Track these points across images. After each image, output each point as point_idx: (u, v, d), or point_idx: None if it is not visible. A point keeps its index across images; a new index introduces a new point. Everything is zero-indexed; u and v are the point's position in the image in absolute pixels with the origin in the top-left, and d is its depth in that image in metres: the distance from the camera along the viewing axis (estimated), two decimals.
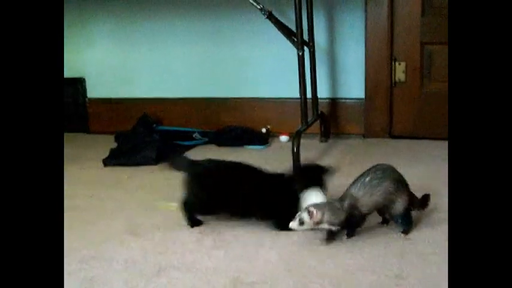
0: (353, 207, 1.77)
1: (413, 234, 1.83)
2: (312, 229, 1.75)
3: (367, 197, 1.78)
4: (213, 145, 3.13)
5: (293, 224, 1.71)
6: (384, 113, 3.10)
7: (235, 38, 3.33)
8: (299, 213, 1.73)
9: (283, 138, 3.17)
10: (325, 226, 1.75)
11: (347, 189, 1.81)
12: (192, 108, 3.41)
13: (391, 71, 3.06)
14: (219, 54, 3.37)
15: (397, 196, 1.79)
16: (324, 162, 2.66)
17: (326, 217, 1.73)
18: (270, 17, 2.68)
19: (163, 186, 2.43)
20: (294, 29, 2.69)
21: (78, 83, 3.60)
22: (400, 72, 3.05)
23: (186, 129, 3.29)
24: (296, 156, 2.53)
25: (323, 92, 3.15)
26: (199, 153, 2.97)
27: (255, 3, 2.66)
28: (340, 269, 1.62)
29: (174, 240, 1.85)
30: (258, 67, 3.33)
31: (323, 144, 3.06)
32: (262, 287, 1.53)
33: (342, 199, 1.79)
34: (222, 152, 2.99)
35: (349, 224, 1.79)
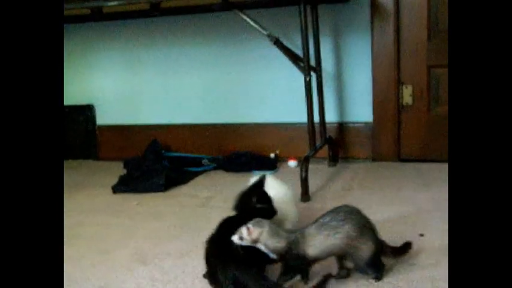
0: (297, 244, 1.61)
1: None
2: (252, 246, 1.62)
3: (320, 238, 1.61)
4: (222, 171, 3.14)
5: (234, 238, 1.61)
6: (392, 137, 3.10)
7: (243, 63, 3.34)
8: (241, 227, 1.62)
9: (292, 163, 3.17)
10: (262, 247, 1.61)
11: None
12: (201, 134, 3.43)
13: (398, 95, 3.06)
14: (227, 80, 3.39)
15: (360, 242, 1.61)
16: (333, 188, 2.68)
17: (263, 238, 1.60)
18: (277, 43, 2.70)
19: (172, 214, 2.43)
20: (300, 54, 2.71)
21: (87, 110, 3.62)
22: (407, 95, 3.05)
23: (195, 155, 3.30)
24: (305, 181, 2.53)
25: (331, 117, 3.16)
26: (208, 179, 2.98)
27: (261, 30, 2.68)
28: None
29: (183, 268, 1.85)
30: (266, 92, 3.34)
31: (331, 169, 3.06)
32: None
33: (293, 231, 1.66)
34: (230, 178, 3.00)
35: (285, 263, 1.64)
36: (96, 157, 3.62)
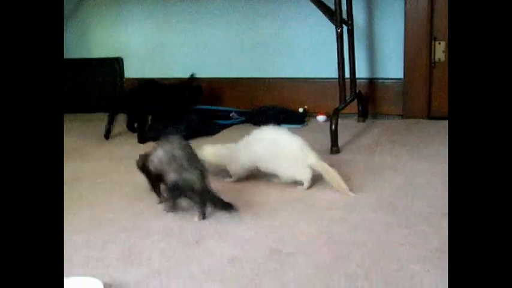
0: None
1: None
2: None
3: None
4: (250, 124, 3.12)
5: None
6: (423, 94, 3.06)
7: (273, 16, 3.31)
8: None
9: (321, 118, 3.14)
10: None
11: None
12: (229, 87, 3.41)
13: (431, 51, 3.01)
14: (256, 34, 3.36)
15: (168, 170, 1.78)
16: (362, 142, 2.66)
17: None
18: None
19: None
20: (332, 7, 2.67)
21: (116, 63, 3.61)
22: (440, 51, 3.00)
23: (224, 108, 3.29)
24: (334, 134, 2.50)
25: (361, 72, 3.12)
26: (236, 132, 2.96)
27: None
28: (379, 241, 1.60)
29: (210, 211, 1.84)
30: (295, 46, 3.31)
31: (361, 124, 3.03)
32: (301, 257, 1.52)
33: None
34: None
35: None
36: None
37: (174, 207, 1.86)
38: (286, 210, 1.86)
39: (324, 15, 2.69)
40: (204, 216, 1.79)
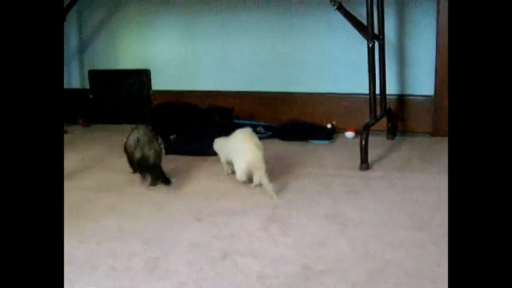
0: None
1: None
2: None
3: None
4: (277, 139, 3.08)
5: None
6: None
7: (302, 30, 3.27)
8: None
9: (349, 134, 3.09)
10: None
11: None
12: (256, 102, 3.37)
13: None
14: (284, 47, 3.32)
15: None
16: (392, 159, 2.61)
17: None
18: (340, 8, 2.61)
19: (223, 176, 2.39)
20: (363, 21, 2.62)
21: (143, 75, 3.60)
22: None
23: (250, 122, 3.25)
24: (364, 150, 2.45)
25: (391, 88, 3.06)
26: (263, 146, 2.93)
27: None
28: (415, 260, 1.54)
29: (238, 226, 1.81)
30: (324, 61, 3.26)
31: (390, 142, 2.97)
32: (335, 275, 1.47)
33: None
34: (285, 146, 2.94)
35: None
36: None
37: (145, 181, 2.30)
38: (316, 226, 1.81)
39: (355, 29, 2.64)
40: (154, 184, 2.27)
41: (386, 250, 1.61)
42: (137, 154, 2.26)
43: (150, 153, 2.25)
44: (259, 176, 2.14)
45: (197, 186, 2.30)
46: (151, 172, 2.27)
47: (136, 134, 2.30)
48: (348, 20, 2.64)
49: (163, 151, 2.38)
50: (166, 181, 2.22)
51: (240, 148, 2.27)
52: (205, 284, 1.44)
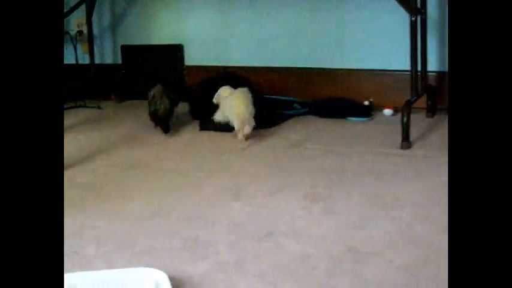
0: None
1: None
2: None
3: None
4: (313, 116, 3.01)
5: None
6: None
7: (338, 5, 3.18)
8: None
9: (387, 111, 3.00)
10: None
11: None
12: (292, 77, 3.29)
13: None
14: (321, 23, 3.23)
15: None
16: (433, 137, 2.52)
17: None
18: None
19: (262, 153, 2.34)
20: None
21: (176, 50, 3.55)
22: None
23: (286, 98, 3.17)
24: (406, 128, 2.37)
25: (432, 65, 2.96)
26: (299, 123, 2.86)
27: None
28: None
29: (279, 205, 1.75)
30: (362, 36, 3.16)
31: (429, 120, 2.88)
32: (383, 257, 1.40)
33: None
34: (322, 123, 2.86)
35: None
36: (184, 97, 3.55)
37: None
38: (359, 206, 1.74)
39: (397, 2, 2.55)
40: (165, 133, 2.65)
41: (435, 232, 1.54)
42: (150, 108, 2.68)
43: (160, 108, 2.64)
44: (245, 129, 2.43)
45: (232, 162, 2.24)
46: (160, 123, 2.67)
47: (152, 91, 2.73)
48: None
49: (174, 106, 2.76)
50: (166, 129, 2.65)
51: (233, 105, 2.50)
52: (248, 264, 1.39)
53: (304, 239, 1.51)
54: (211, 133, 2.68)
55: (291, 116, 2.97)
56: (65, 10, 3.39)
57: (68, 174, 2.14)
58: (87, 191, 1.96)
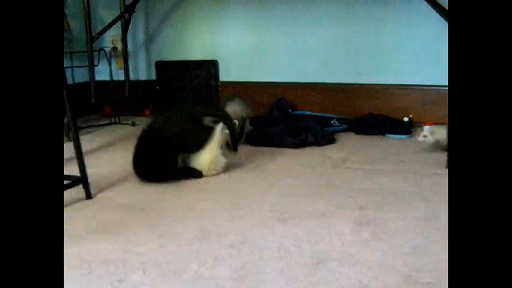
0: None
1: None
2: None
3: None
4: (352, 132, 2.95)
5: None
6: None
7: (376, 20, 3.13)
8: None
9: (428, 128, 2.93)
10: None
11: None
12: (329, 93, 3.25)
13: None
14: (358, 38, 3.19)
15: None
16: None
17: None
18: None
19: (305, 172, 2.28)
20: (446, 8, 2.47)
21: (211, 66, 3.52)
22: None
23: (324, 114, 3.12)
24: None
25: None
26: (338, 140, 2.81)
27: None
28: None
29: (328, 229, 1.69)
30: (400, 52, 3.12)
31: None
32: None
33: None
34: (362, 141, 2.81)
35: None
36: None
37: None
38: (410, 231, 1.68)
39: (438, 15, 2.48)
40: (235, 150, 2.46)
41: None
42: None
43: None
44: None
45: (274, 183, 2.19)
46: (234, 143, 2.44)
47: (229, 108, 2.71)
48: (429, 4, 2.49)
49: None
50: (236, 148, 2.44)
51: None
52: None
53: (358, 267, 1.44)
54: (252, 152, 2.64)
55: (331, 133, 2.92)
56: (101, 27, 3.38)
57: (107, 195, 2.11)
58: (128, 212, 1.92)
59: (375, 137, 2.87)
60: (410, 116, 3.03)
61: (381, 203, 1.91)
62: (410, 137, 2.86)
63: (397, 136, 2.86)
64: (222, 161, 2.32)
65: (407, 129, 2.93)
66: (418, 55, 3.06)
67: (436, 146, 2.54)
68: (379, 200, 1.95)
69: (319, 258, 1.49)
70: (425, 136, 2.52)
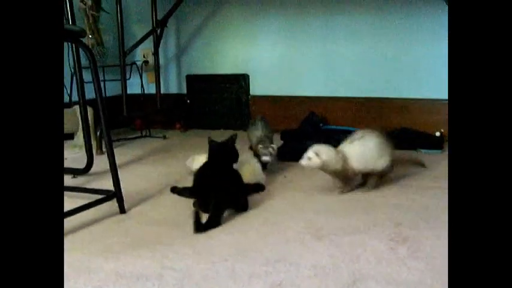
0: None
1: None
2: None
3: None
4: None
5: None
6: None
7: (409, 34, 3.13)
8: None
9: None
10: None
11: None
12: (360, 108, 3.24)
13: None
14: (389, 52, 3.18)
15: None
16: None
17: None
18: None
19: (337, 188, 2.27)
20: None
21: (242, 80, 3.54)
22: None
23: (355, 129, 3.11)
24: None
25: None
26: None
27: None
28: None
29: (363, 246, 1.68)
30: (432, 66, 3.10)
31: None
32: None
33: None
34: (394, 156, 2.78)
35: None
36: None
37: None
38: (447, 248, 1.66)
39: None
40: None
41: None
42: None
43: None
44: None
45: (307, 198, 2.19)
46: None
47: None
48: None
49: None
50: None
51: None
52: None
53: (395, 287, 1.43)
54: (283, 167, 2.63)
55: None
56: (133, 42, 3.42)
57: (140, 210, 2.12)
58: (163, 228, 1.92)
59: (407, 151, 2.85)
60: (442, 130, 3.01)
61: (416, 220, 1.90)
62: (442, 152, 2.84)
63: (430, 151, 2.84)
64: (261, 173, 2.33)
65: (439, 143, 2.91)
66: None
67: (324, 170, 2.18)
68: (413, 216, 1.93)
69: (356, 277, 1.49)
70: (309, 158, 2.13)
